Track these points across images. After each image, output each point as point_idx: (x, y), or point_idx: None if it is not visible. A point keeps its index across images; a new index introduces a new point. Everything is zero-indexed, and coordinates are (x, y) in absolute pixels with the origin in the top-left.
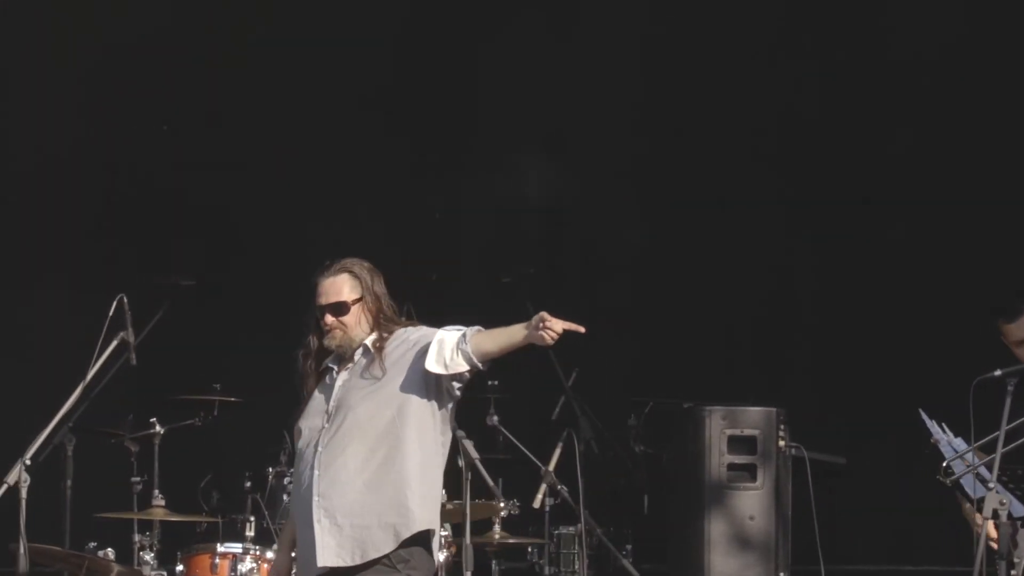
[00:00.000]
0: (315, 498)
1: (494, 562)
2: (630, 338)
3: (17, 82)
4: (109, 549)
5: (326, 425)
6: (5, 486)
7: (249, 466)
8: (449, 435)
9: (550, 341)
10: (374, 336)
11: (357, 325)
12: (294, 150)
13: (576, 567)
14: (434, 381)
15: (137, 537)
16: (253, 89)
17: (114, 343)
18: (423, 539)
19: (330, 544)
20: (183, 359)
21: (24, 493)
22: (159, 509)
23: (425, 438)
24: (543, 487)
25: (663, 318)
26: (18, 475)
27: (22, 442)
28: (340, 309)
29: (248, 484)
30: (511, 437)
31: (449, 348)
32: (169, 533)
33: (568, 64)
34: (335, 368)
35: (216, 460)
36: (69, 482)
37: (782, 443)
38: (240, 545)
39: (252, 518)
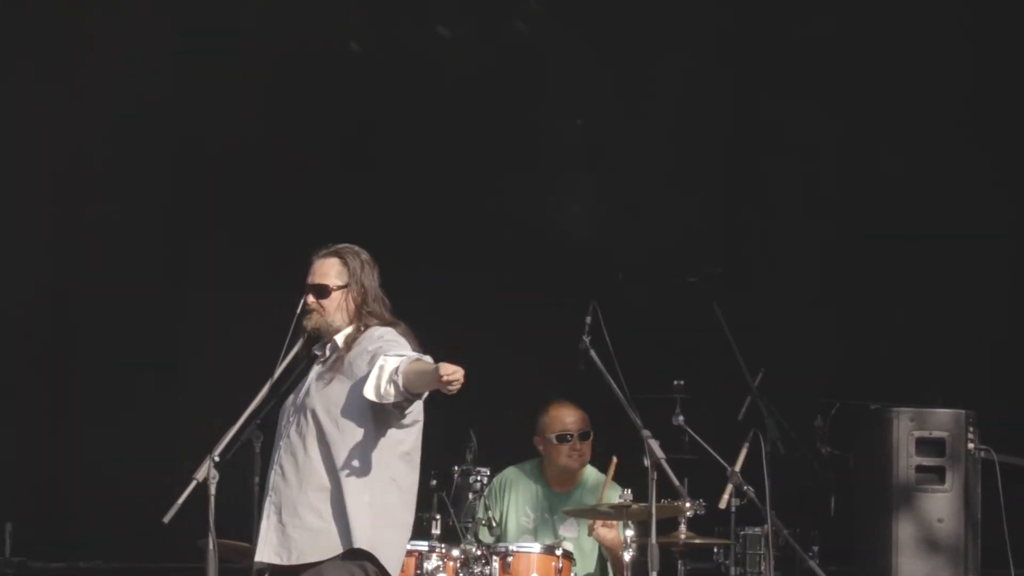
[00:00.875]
0: (268, 492)
1: (680, 562)
2: (817, 338)
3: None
4: None
5: (290, 419)
6: (195, 482)
7: (434, 464)
8: (411, 452)
9: (454, 390)
10: (350, 329)
11: (337, 311)
12: None
13: (762, 568)
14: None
15: None
16: None
17: (301, 341)
18: (368, 559)
19: (271, 541)
20: None
21: (213, 489)
22: None
23: (371, 450)
24: (729, 487)
25: (850, 318)
26: (207, 471)
27: (211, 439)
28: (322, 292)
29: (434, 482)
30: (697, 437)
31: (385, 376)
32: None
33: None
34: (318, 355)
35: None
36: (257, 479)
37: (971, 445)
38: (426, 543)
39: (438, 516)
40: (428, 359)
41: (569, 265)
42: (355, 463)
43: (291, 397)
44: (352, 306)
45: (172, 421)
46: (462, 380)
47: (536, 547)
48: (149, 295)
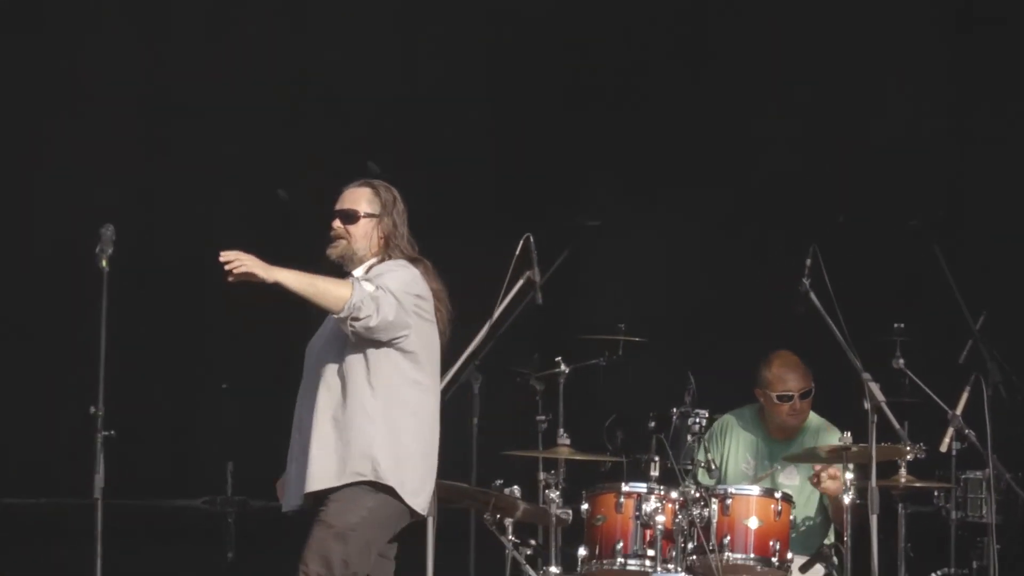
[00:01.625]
0: (294, 433)
1: (899, 505)
2: None
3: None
4: (515, 487)
5: (310, 358)
6: None
7: (653, 406)
8: (422, 380)
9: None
10: (373, 261)
11: (363, 239)
12: None
13: (983, 512)
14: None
15: (542, 475)
16: None
17: (520, 282)
18: (386, 490)
19: (290, 487)
20: (588, 299)
21: None
22: (564, 448)
23: (380, 379)
24: (950, 431)
25: None
26: None
27: None
28: (350, 216)
29: (652, 424)
30: (917, 380)
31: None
32: (574, 472)
33: None
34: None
35: (620, 400)
36: (476, 420)
37: None
38: (645, 485)
39: (656, 458)
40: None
41: (790, 207)
42: (365, 393)
43: (317, 333)
44: (379, 237)
45: None
46: (236, 265)
47: (755, 489)
48: None
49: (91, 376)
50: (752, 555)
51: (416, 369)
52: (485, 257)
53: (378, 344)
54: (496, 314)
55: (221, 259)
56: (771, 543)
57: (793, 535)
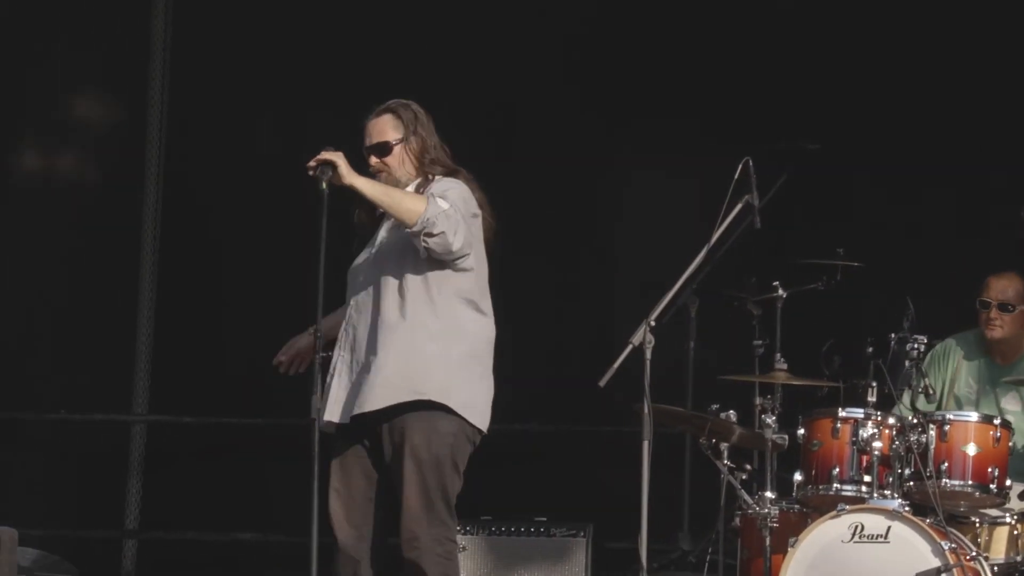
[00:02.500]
0: (340, 352)
1: None
2: None
3: None
4: (731, 411)
5: (359, 277)
6: (630, 346)
7: (871, 331)
8: (478, 300)
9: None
10: (419, 181)
11: (400, 166)
12: None
13: None
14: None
15: (759, 400)
16: None
17: (739, 206)
18: (445, 410)
19: (339, 399)
20: (808, 222)
21: (648, 354)
22: (781, 372)
23: (436, 297)
24: None
25: None
26: (643, 336)
27: (648, 303)
28: (383, 149)
29: (870, 349)
30: None
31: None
32: (790, 397)
33: None
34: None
35: (838, 325)
36: (692, 344)
37: None
38: (862, 410)
39: (874, 383)
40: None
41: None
42: (421, 312)
43: (363, 253)
44: (413, 157)
45: (608, 287)
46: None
47: (973, 416)
48: (586, 172)
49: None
50: (970, 482)
51: (474, 289)
52: (705, 180)
53: (442, 264)
54: (714, 238)
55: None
56: (989, 469)
57: (1013, 462)
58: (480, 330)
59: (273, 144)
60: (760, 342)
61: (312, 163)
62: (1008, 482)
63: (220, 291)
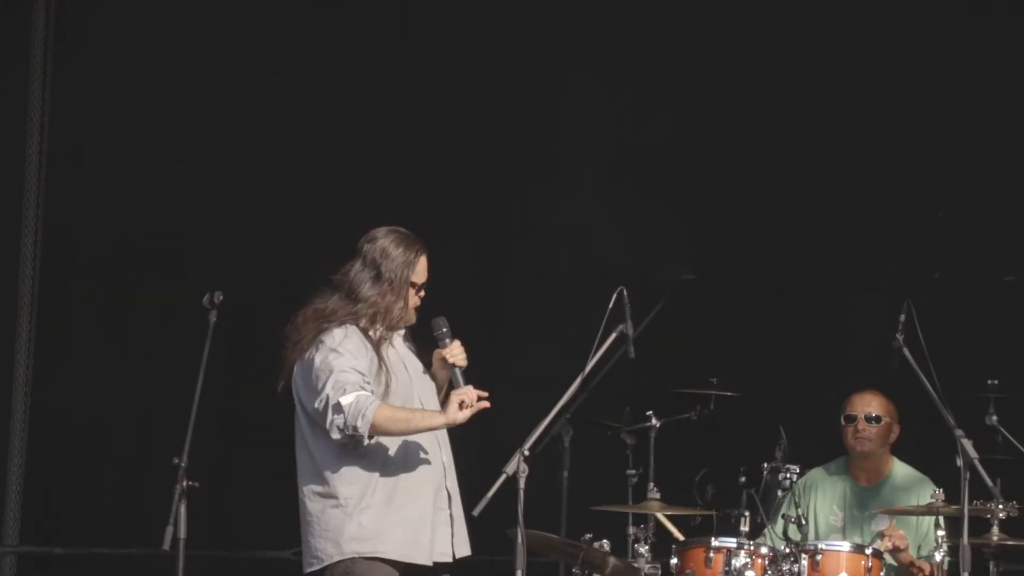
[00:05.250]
0: (446, 479)
1: (992, 564)
2: None
3: None
4: (604, 540)
5: (421, 400)
6: (504, 476)
7: (744, 460)
8: None
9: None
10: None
11: None
12: None
13: None
14: None
15: (632, 529)
16: None
17: (613, 336)
18: None
19: (460, 533)
20: (681, 352)
21: (522, 483)
22: (654, 502)
23: None
24: None
25: None
26: (517, 465)
27: (522, 433)
28: (426, 290)
29: (743, 479)
30: (1011, 437)
31: None
32: (664, 527)
33: None
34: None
35: (711, 454)
36: (566, 473)
37: None
38: (735, 540)
39: (747, 513)
40: None
41: (881, 264)
42: None
43: (396, 371)
44: None
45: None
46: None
47: (845, 545)
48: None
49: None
50: None
51: None
52: (576, 309)
53: None
54: (588, 367)
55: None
56: None
57: None
58: None
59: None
60: (633, 471)
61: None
62: None
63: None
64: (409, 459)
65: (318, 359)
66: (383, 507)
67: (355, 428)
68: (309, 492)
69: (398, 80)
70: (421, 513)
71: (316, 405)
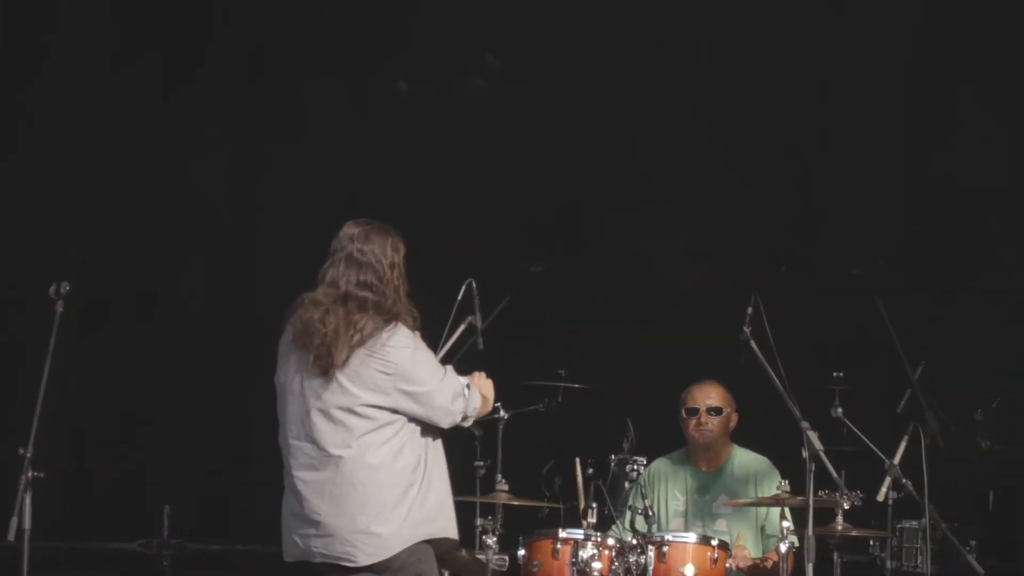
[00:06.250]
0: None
1: (835, 554)
2: (977, 330)
3: None
4: None
5: None
6: None
7: (592, 452)
8: None
9: None
10: None
11: None
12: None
13: (919, 562)
14: None
15: (480, 521)
16: None
17: (462, 327)
18: None
19: None
20: (529, 344)
21: None
22: (502, 493)
23: None
24: (887, 480)
25: (1014, 310)
26: None
27: None
28: None
29: (591, 471)
30: (855, 429)
31: None
32: (511, 518)
33: None
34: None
35: (559, 446)
36: None
37: None
38: (582, 531)
39: (594, 504)
40: None
41: (730, 256)
42: None
43: None
44: None
45: None
46: None
47: (691, 537)
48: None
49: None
50: None
51: None
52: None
53: None
54: (437, 358)
55: None
56: None
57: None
58: None
59: None
60: (481, 463)
61: None
62: None
63: None
64: (438, 441)
65: (410, 352)
66: (440, 488)
67: (474, 411)
68: (372, 482)
69: None
70: (449, 490)
71: (423, 391)
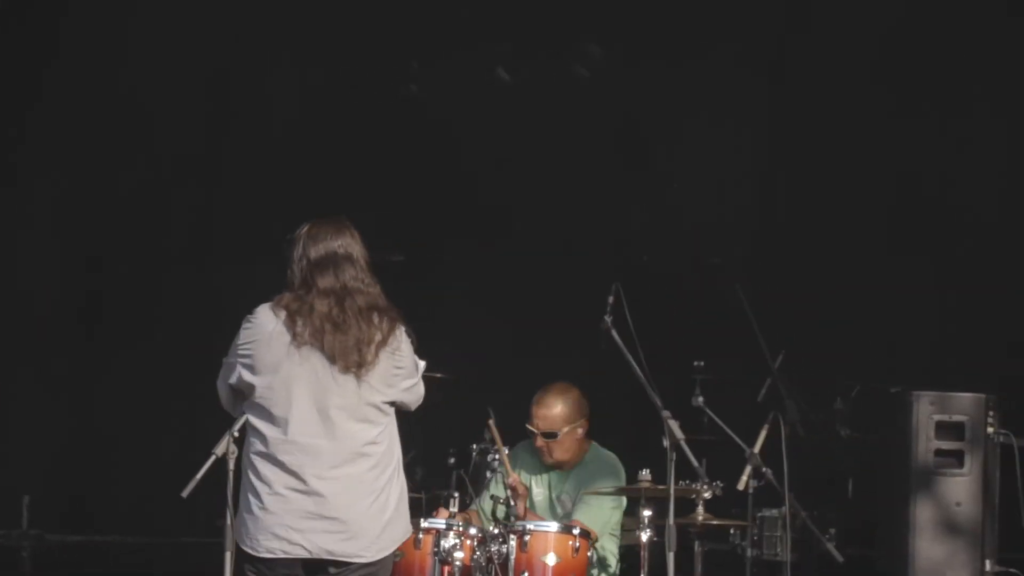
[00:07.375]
0: None
1: (697, 543)
2: (836, 320)
3: None
4: None
5: None
6: (213, 456)
7: (453, 442)
8: None
9: None
10: None
11: None
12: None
13: (779, 550)
14: None
15: None
16: None
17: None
18: None
19: None
20: None
21: (232, 464)
22: None
23: None
24: (748, 469)
25: (871, 300)
26: (226, 446)
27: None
28: None
29: (452, 460)
30: (716, 418)
31: None
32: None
33: None
34: None
35: (420, 436)
36: None
37: (991, 430)
38: (444, 521)
39: (456, 494)
40: None
41: (593, 246)
42: None
43: None
44: None
45: (191, 395)
46: None
47: (553, 526)
48: (177, 271)
49: None
50: None
51: None
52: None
53: None
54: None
55: None
56: None
57: (592, 571)
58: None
59: None
60: None
61: None
62: None
63: None
64: None
65: (411, 348)
66: None
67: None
68: (385, 478)
69: None
70: None
71: (414, 383)
